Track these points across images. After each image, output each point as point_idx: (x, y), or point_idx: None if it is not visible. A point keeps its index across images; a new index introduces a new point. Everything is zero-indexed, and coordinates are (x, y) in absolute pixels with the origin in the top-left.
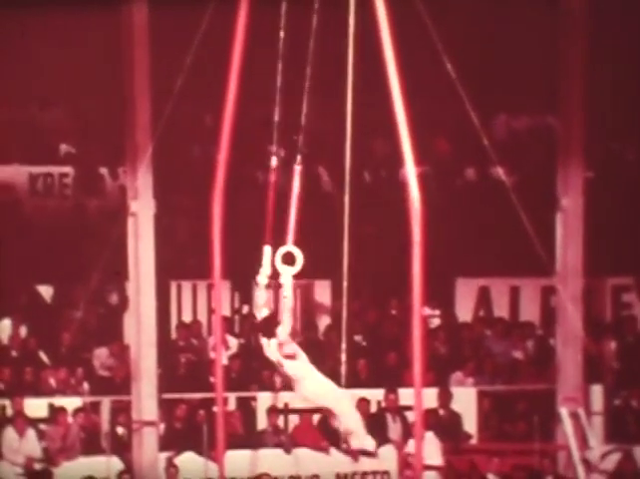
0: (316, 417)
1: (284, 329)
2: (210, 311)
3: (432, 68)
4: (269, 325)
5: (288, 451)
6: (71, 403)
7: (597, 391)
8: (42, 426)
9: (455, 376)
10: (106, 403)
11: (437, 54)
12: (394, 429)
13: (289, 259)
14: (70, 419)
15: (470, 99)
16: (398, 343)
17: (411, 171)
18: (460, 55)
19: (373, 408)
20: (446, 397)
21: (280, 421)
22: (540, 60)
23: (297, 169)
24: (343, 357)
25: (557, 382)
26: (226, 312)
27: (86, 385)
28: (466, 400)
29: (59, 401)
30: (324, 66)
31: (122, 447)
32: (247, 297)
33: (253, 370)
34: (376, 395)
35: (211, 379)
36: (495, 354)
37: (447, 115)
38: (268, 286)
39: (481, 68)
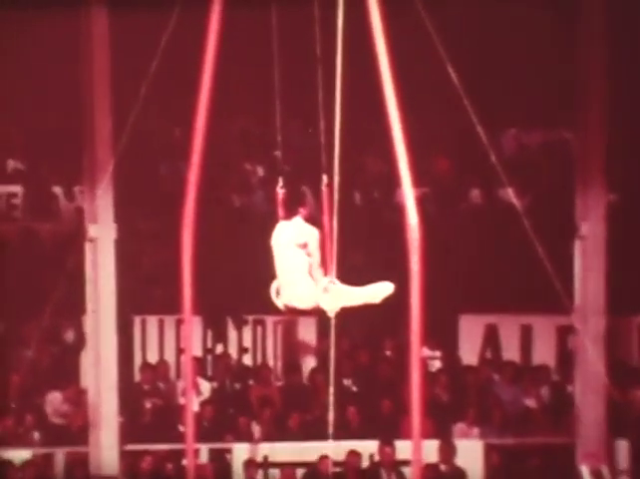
0: (300, 472)
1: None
2: (179, 351)
3: (432, 76)
4: None
5: None
6: (19, 456)
7: (623, 447)
8: None
9: (458, 427)
10: (60, 455)
11: (439, 61)
12: None
13: None
14: (18, 474)
15: (475, 111)
16: (393, 389)
17: (408, 192)
18: (464, 62)
19: (365, 463)
20: (448, 451)
21: (259, 476)
22: (555, 67)
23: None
24: (331, 404)
25: (576, 436)
26: (197, 352)
27: (37, 435)
28: (471, 454)
29: (5, 454)
30: (310, 75)
31: None
32: (221, 335)
33: (228, 418)
34: (368, 447)
35: (181, 428)
36: (505, 402)
37: (449, 129)
38: None
39: (489, 76)
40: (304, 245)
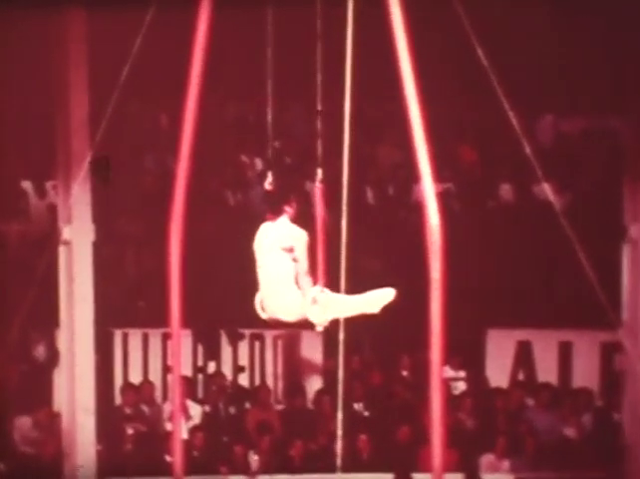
0: None
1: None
2: (166, 370)
3: (457, 54)
4: None
5: None
6: None
7: None
8: None
9: (486, 459)
10: None
11: (464, 35)
12: None
13: None
14: None
15: (506, 94)
16: (411, 414)
17: (428, 188)
18: (494, 37)
19: None
20: None
21: None
22: (599, 43)
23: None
24: (339, 431)
25: (624, 471)
26: (187, 371)
27: (2, 466)
28: None
29: None
30: (314, 54)
31: None
32: (214, 352)
33: (222, 447)
34: None
35: (167, 458)
36: (540, 431)
37: (476, 115)
38: None
39: (522, 54)
40: (290, 250)
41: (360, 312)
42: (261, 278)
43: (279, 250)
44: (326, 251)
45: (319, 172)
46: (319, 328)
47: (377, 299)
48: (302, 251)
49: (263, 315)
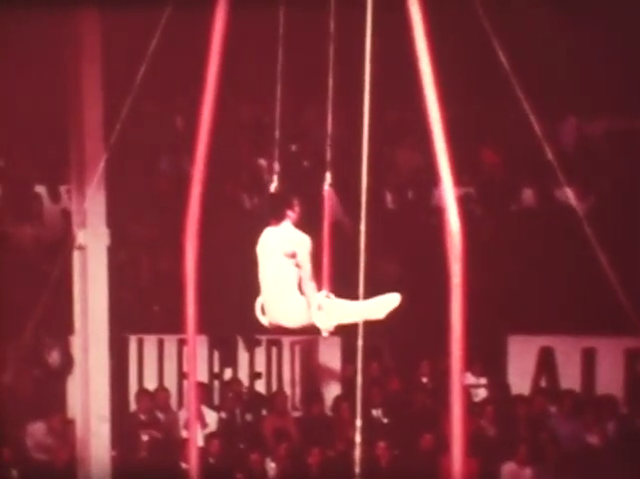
0: None
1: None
2: (182, 376)
3: (477, 56)
4: None
5: None
6: None
7: None
8: None
9: (508, 467)
10: None
11: (485, 38)
12: None
13: None
14: None
15: (528, 96)
16: (431, 421)
17: (449, 193)
18: (515, 40)
19: None
20: None
21: None
22: (621, 45)
23: None
24: (357, 438)
25: None
26: (203, 378)
27: (15, 473)
28: None
29: None
30: (333, 54)
31: None
32: (230, 358)
33: (238, 454)
34: None
35: (183, 465)
36: (562, 439)
37: (497, 118)
38: None
39: (543, 55)
40: (292, 255)
41: (365, 318)
42: (263, 284)
43: (282, 256)
44: (331, 256)
45: (327, 176)
46: (324, 334)
47: (382, 305)
48: (305, 257)
49: (264, 320)
